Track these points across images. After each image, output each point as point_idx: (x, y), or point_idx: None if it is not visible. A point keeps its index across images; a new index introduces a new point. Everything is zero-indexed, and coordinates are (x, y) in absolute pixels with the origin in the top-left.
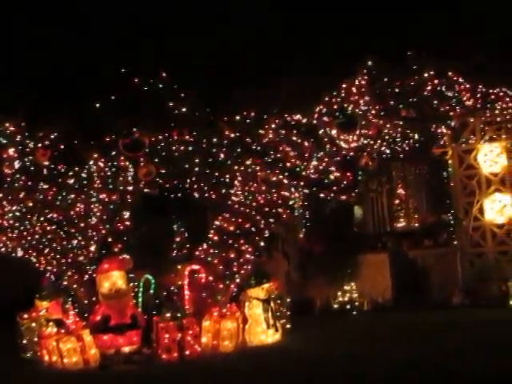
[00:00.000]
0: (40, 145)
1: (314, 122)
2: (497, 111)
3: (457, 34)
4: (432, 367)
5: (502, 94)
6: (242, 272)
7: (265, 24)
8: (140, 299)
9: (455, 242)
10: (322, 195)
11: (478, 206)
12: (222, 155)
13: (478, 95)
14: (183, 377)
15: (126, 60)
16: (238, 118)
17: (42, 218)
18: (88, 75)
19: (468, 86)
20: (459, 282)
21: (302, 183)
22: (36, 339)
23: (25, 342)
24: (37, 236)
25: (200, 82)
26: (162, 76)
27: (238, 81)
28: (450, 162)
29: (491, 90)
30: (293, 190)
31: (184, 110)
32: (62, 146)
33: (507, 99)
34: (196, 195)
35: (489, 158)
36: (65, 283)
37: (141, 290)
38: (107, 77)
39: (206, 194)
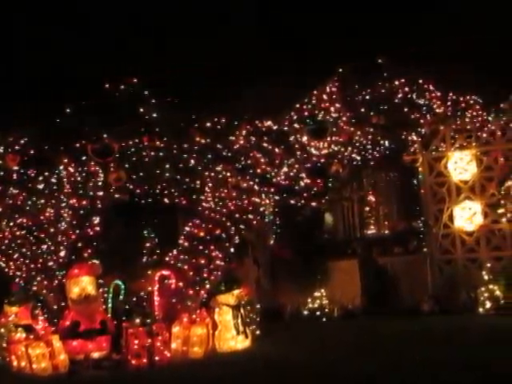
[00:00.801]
0: (9, 150)
1: (285, 128)
2: (467, 119)
3: (427, 43)
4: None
5: (472, 102)
6: (212, 278)
7: (236, 32)
8: (110, 305)
9: (425, 249)
10: (292, 202)
11: (448, 214)
12: (192, 161)
13: (449, 103)
14: (152, 383)
15: (98, 65)
16: (208, 124)
17: (11, 223)
18: (59, 80)
19: (438, 93)
20: (429, 288)
21: (272, 190)
22: (5, 345)
23: None
24: (6, 241)
25: (171, 89)
26: (134, 82)
27: (209, 87)
28: (420, 169)
29: (461, 98)
30: (263, 196)
31: (155, 115)
32: (32, 151)
33: (477, 107)
34: (166, 201)
35: (459, 165)
36: (34, 288)
37: (110, 295)
38: (78, 82)
39: (177, 200)
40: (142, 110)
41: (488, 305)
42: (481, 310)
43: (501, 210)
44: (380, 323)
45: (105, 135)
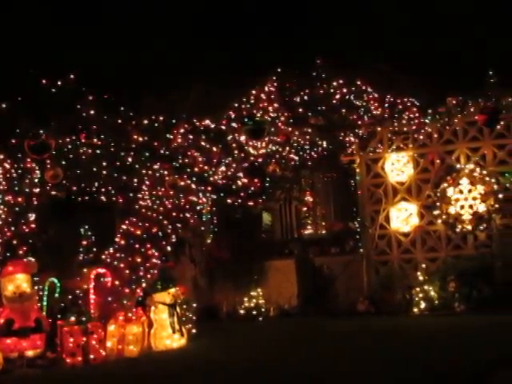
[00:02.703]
0: None
1: (223, 127)
2: (404, 121)
3: (365, 44)
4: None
5: (409, 104)
6: (149, 276)
7: (174, 27)
8: (45, 303)
9: (361, 250)
10: (229, 201)
11: (384, 215)
12: (129, 159)
13: (386, 105)
14: (87, 381)
15: (34, 61)
16: (146, 122)
17: None
18: None
19: (376, 95)
20: (364, 289)
21: (209, 189)
22: None
23: None
24: None
25: (109, 85)
26: (71, 78)
27: (146, 84)
28: (357, 170)
29: (399, 100)
30: (200, 195)
31: (92, 112)
32: None
33: (414, 109)
34: (103, 199)
35: (396, 167)
36: None
37: (45, 293)
38: (14, 77)
39: (114, 198)
40: (79, 106)
41: (423, 305)
42: (415, 310)
43: (436, 212)
44: (315, 323)
45: (41, 132)
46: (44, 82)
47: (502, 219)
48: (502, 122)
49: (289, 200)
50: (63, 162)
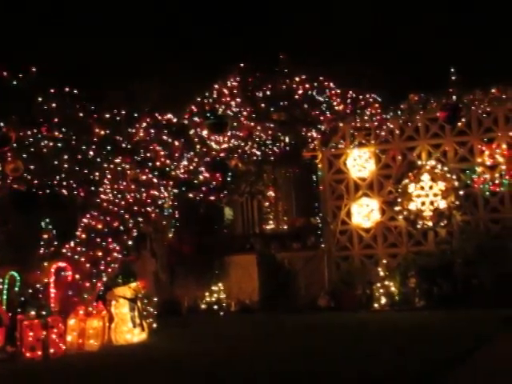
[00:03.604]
0: None
1: (185, 122)
2: (366, 117)
3: (327, 40)
4: (286, 367)
5: (371, 100)
6: (110, 271)
7: (138, 21)
8: (4, 296)
9: (323, 245)
10: (191, 196)
11: (346, 210)
12: (91, 153)
13: (348, 101)
14: (46, 375)
15: None
16: (108, 115)
17: None
18: None
19: (338, 91)
20: (325, 284)
21: (171, 183)
22: None
23: None
24: None
25: (71, 79)
26: (32, 71)
27: (108, 78)
28: (319, 165)
29: (361, 96)
30: (162, 189)
31: (53, 105)
32: None
33: (376, 106)
34: (64, 192)
35: (358, 162)
36: None
37: (5, 287)
38: None
39: (75, 192)
40: (40, 99)
41: (383, 301)
42: (376, 305)
43: (397, 208)
44: (276, 318)
45: (2, 124)
46: (4, 74)
47: (463, 216)
48: (463, 119)
49: (251, 195)
50: (24, 155)
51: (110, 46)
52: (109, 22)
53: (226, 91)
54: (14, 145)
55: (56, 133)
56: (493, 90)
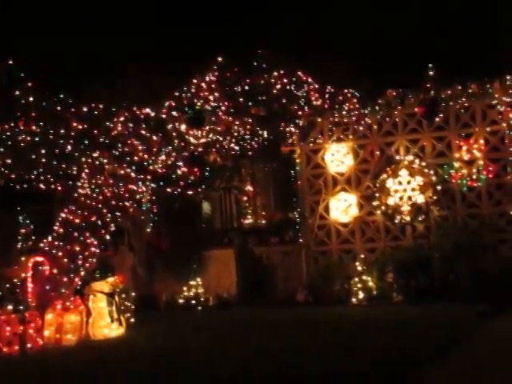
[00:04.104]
0: None
1: (163, 116)
2: (344, 112)
3: (306, 36)
4: (267, 364)
5: (349, 95)
6: (87, 265)
7: (116, 15)
8: None
9: (301, 240)
10: (169, 190)
11: (324, 205)
12: (69, 147)
13: (326, 96)
14: (24, 370)
15: None
16: (86, 109)
17: None
18: None
19: (316, 86)
20: (303, 279)
21: (149, 177)
22: None
23: None
24: None
25: (49, 72)
26: (9, 64)
27: (87, 72)
28: (297, 160)
29: (339, 91)
30: (140, 184)
31: (31, 99)
32: None
33: (354, 101)
34: (42, 187)
35: (336, 157)
36: None
37: None
38: None
39: (53, 186)
40: (17, 92)
41: (361, 295)
42: (354, 300)
43: (375, 203)
44: (254, 312)
45: None
46: None
47: (440, 211)
48: (440, 115)
49: (229, 190)
50: (1, 149)
51: (88, 41)
52: (87, 18)
53: (204, 86)
54: None
55: (33, 127)
56: (470, 86)
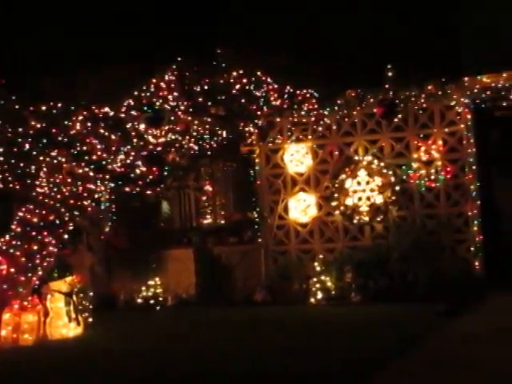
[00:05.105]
0: None
1: (122, 115)
2: (303, 112)
3: (265, 35)
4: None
5: (308, 95)
6: (45, 264)
7: (74, 12)
8: None
9: (260, 240)
10: (127, 189)
11: (283, 205)
12: (27, 145)
13: (285, 96)
14: None
15: None
16: (44, 108)
17: None
18: None
19: (276, 86)
20: (262, 278)
21: (107, 177)
22: None
23: None
24: None
25: (6, 70)
26: None
27: (45, 70)
28: (257, 160)
29: (298, 92)
30: (99, 183)
31: None
32: None
33: (313, 101)
34: (0, 185)
35: (295, 157)
36: None
37: None
38: None
39: (11, 185)
40: None
41: (319, 295)
42: (312, 300)
43: (334, 203)
44: (212, 312)
45: None
46: None
47: (399, 211)
48: (399, 115)
49: (183, 189)
50: None
51: (47, 40)
52: (46, 16)
53: (163, 85)
54: None
55: None
56: (429, 87)
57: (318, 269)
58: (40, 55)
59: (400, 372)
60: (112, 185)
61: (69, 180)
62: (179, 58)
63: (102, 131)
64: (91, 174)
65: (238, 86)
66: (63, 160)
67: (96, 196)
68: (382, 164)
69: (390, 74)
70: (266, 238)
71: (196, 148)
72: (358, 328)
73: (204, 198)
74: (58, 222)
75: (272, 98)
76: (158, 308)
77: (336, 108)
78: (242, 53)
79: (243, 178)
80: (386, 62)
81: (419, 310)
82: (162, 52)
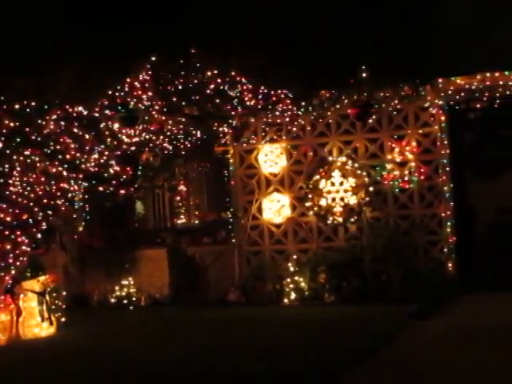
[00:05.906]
0: None
1: (96, 115)
2: (277, 113)
3: (239, 35)
4: (199, 366)
5: (282, 96)
6: (18, 264)
7: (48, 10)
8: None
9: (233, 240)
10: (101, 189)
11: (257, 205)
12: (0, 144)
13: (260, 96)
14: None
15: None
16: (17, 106)
17: None
18: None
19: (250, 86)
20: (236, 279)
21: (81, 176)
22: None
23: None
24: None
25: None
26: None
27: (19, 69)
28: (231, 160)
29: (272, 92)
30: (72, 182)
31: None
32: None
33: (288, 101)
34: None
35: (269, 158)
36: None
37: None
38: None
39: None
40: None
41: (293, 296)
42: (286, 301)
43: (308, 204)
44: (185, 312)
45: None
46: None
47: (372, 212)
48: (373, 116)
49: (160, 189)
50: None
51: (20, 34)
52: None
53: (137, 84)
54: None
55: None
56: (403, 88)
57: (292, 269)
58: (13, 54)
59: (369, 373)
60: (86, 184)
61: (42, 179)
62: (153, 58)
63: (75, 130)
64: (65, 173)
65: (212, 86)
66: (37, 159)
67: (69, 195)
68: (356, 165)
69: (363, 74)
70: (239, 239)
71: (170, 148)
72: (330, 328)
73: (178, 198)
74: (31, 221)
75: (246, 98)
76: (130, 308)
77: (310, 109)
78: (217, 53)
79: (217, 178)
80: (360, 63)
81: (392, 310)
82: (136, 51)
